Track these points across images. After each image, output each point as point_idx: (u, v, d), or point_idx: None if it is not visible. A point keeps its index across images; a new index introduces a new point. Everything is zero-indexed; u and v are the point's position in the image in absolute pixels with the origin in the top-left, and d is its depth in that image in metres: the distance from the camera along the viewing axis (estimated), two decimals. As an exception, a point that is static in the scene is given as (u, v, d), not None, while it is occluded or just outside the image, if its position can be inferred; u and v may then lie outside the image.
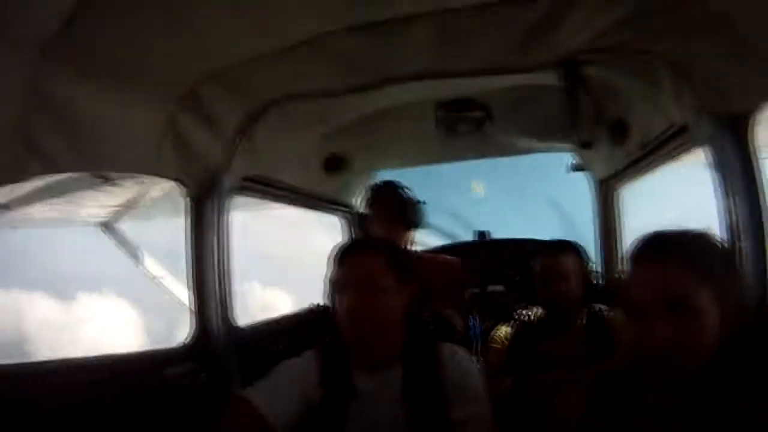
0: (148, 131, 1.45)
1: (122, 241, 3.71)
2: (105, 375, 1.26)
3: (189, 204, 1.67)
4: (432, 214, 2.59)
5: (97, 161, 1.33)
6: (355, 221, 2.77)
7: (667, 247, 1.09)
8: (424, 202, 2.52)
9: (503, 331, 2.22)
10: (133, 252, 3.74)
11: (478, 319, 2.61)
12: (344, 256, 1.56)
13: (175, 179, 1.61)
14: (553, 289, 2.04)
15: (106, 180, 2.27)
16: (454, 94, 2.20)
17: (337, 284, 1.55)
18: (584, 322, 2.09)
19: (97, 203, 2.76)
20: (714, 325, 1.03)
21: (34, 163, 1.12)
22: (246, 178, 1.85)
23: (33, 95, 1.07)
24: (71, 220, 3.14)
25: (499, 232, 4.06)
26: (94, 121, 1.25)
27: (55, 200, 2.53)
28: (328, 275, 1.59)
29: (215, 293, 1.62)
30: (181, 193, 1.69)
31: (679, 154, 1.92)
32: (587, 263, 2.13)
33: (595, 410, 1.18)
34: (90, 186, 2.32)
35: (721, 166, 1.47)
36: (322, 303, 2.31)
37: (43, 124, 1.12)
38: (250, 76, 1.52)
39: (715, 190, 1.51)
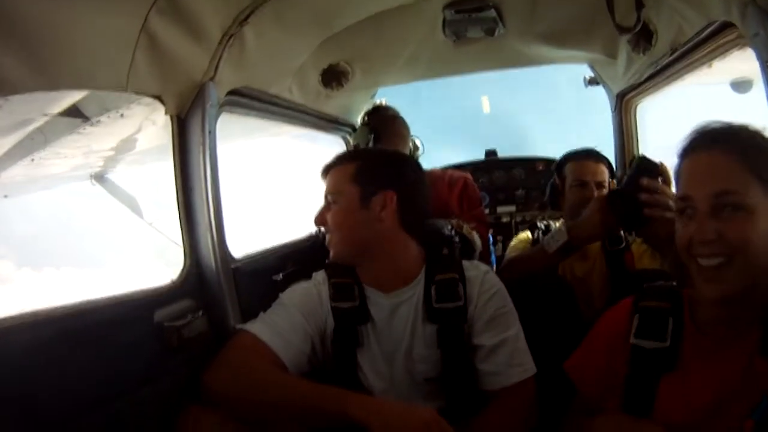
0: (119, 39, 1.20)
1: (116, 190, 3.61)
2: (92, 322, 1.16)
3: (171, 124, 1.48)
4: (440, 130, 2.49)
5: (57, 78, 1.11)
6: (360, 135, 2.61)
7: (717, 139, 0.99)
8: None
9: (524, 235, 2.15)
10: (128, 200, 3.64)
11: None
12: (325, 172, 1.52)
13: (154, 96, 1.40)
14: (588, 195, 1.89)
15: (86, 119, 2.11)
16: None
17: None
18: (606, 242, 1.98)
19: (83, 150, 2.62)
20: None
21: None
22: (235, 92, 1.66)
23: None
24: (62, 177, 3.01)
25: (509, 150, 3.92)
26: (51, 28, 1.02)
27: (38, 154, 2.39)
28: None
29: (206, 222, 1.47)
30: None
31: (713, 58, 1.74)
32: (613, 178, 2.03)
33: (643, 332, 1.10)
34: (70, 129, 2.16)
35: (768, 64, 1.32)
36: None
37: None
38: None
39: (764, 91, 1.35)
